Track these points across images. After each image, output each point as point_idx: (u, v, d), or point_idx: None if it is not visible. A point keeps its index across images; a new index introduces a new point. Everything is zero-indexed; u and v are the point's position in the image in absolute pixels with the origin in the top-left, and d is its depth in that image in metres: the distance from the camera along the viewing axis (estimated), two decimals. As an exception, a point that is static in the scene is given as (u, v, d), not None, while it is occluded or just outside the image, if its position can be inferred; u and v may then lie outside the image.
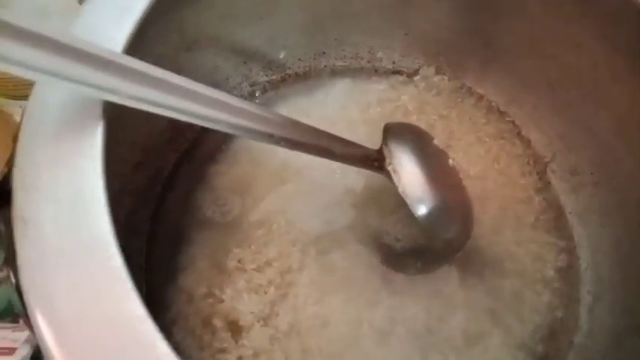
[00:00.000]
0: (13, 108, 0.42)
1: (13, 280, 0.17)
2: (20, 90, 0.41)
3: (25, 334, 0.33)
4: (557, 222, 0.35)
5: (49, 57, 0.15)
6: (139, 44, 0.25)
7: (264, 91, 0.39)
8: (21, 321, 0.33)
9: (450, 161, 0.34)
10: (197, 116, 0.20)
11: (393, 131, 0.30)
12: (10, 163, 0.20)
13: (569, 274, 0.34)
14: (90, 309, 0.14)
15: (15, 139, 0.19)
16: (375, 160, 0.29)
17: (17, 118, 0.42)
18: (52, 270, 0.15)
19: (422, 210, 0.29)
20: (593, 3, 0.29)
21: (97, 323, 0.14)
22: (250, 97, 0.38)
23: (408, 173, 0.29)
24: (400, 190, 0.29)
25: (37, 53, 0.15)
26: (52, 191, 0.16)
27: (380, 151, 0.30)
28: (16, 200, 0.17)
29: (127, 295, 0.15)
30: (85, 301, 0.15)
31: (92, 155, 0.17)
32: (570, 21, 0.31)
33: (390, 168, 0.29)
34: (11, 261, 0.17)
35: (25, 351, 0.32)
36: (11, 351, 0.32)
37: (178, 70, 0.32)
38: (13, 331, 0.34)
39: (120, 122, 0.26)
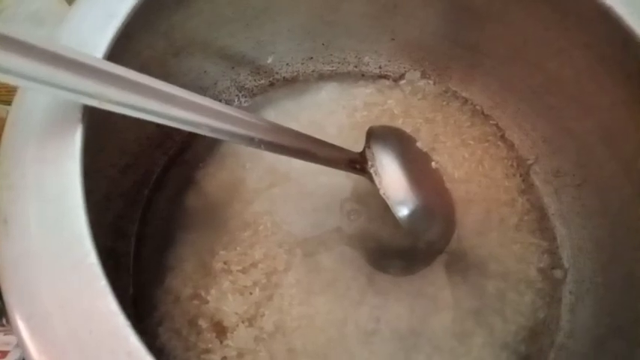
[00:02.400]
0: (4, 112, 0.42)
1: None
2: (12, 95, 0.42)
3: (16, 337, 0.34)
4: (541, 223, 0.36)
5: (27, 62, 0.16)
6: (125, 49, 0.26)
7: (252, 95, 0.39)
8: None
9: (433, 164, 0.35)
10: (177, 120, 0.20)
11: (376, 134, 0.31)
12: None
13: (551, 274, 0.34)
14: (66, 306, 0.15)
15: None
16: (357, 163, 0.30)
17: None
18: (32, 269, 0.16)
19: (403, 211, 0.29)
20: (571, 10, 0.30)
21: (73, 320, 0.15)
22: (238, 101, 0.39)
23: (390, 176, 0.29)
24: (381, 192, 0.29)
25: (16, 59, 0.16)
26: (32, 191, 0.17)
27: (363, 154, 0.30)
28: (-2, 200, 0.17)
29: (102, 291, 0.15)
30: (62, 298, 0.15)
31: (72, 156, 0.17)
32: (551, 28, 0.31)
33: (372, 170, 0.30)
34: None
35: (17, 354, 0.33)
36: (3, 354, 0.32)
37: (166, 75, 0.33)
38: (5, 334, 0.34)
39: (106, 126, 0.26)
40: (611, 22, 0.27)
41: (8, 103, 0.43)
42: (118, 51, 0.23)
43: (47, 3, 0.42)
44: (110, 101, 0.18)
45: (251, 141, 0.24)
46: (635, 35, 0.26)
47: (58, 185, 0.17)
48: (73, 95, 0.17)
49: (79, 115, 0.18)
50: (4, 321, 0.21)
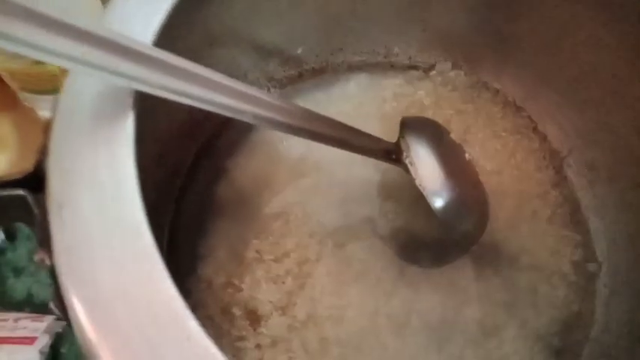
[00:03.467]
0: (37, 102, 0.43)
1: (48, 262, 0.18)
2: (42, 85, 0.43)
3: (44, 324, 0.34)
4: (573, 216, 0.35)
5: (84, 47, 0.16)
6: (165, 39, 0.26)
7: (281, 86, 0.39)
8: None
9: (467, 155, 0.34)
10: (221, 106, 0.20)
11: (410, 125, 0.31)
12: (41, 153, 0.21)
13: (585, 267, 0.34)
14: (124, 290, 0.15)
15: (45, 129, 0.20)
16: (392, 153, 0.30)
17: (41, 112, 0.43)
18: (88, 253, 0.16)
19: (439, 203, 0.29)
20: (612, 1, 0.29)
21: (132, 303, 0.15)
22: (268, 91, 0.39)
23: (425, 166, 0.29)
24: (417, 182, 0.29)
25: (72, 44, 0.16)
26: (87, 177, 0.17)
27: (397, 144, 0.30)
28: (52, 186, 0.17)
29: (162, 277, 0.15)
30: (119, 282, 0.15)
31: (125, 143, 0.17)
32: (590, 19, 0.31)
33: (407, 161, 0.29)
34: (46, 245, 0.18)
35: (45, 340, 0.33)
36: (32, 340, 0.33)
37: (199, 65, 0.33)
38: (33, 320, 0.35)
39: (141, 116, 0.26)
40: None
41: (39, 92, 0.43)
42: (160, 40, 0.23)
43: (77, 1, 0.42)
44: (161, 87, 0.18)
45: (289, 128, 0.24)
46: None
47: (112, 172, 0.17)
48: (125, 81, 0.17)
49: (130, 100, 0.18)
50: (51, 305, 0.21)
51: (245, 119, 0.22)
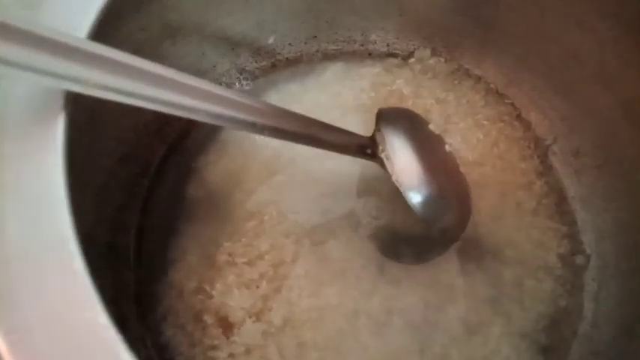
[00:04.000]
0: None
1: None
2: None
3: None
4: (560, 207, 0.34)
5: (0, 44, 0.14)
6: (116, 31, 0.24)
7: (253, 78, 0.37)
8: None
9: (447, 147, 0.33)
10: (170, 105, 0.19)
11: (387, 117, 0.29)
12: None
13: (572, 260, 0.33)
14: (50, 319, 0.14)
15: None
16: (367, 147, 0.28)
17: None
18: (12, 276, 0.14)
19: (416, 198, 0.28)
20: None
21: (58, 334, 0.13)
22: (239, 84, 0.37)
23: (402, 160, 0.28)
24: (393, 178, 0.27)
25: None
26: (11, 190, 0.15)
27: (373, 138, 0.28)
28: (-22, 200, 0.16)
29: (90, 301, 0.14)
30: (45, 310, 0.14)
31: (54, 150, 0.16)
32: (572, -1, 0.29)
33: (383, 155, 0.28)
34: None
35: None
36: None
37: (162, 58, 0.31)
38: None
39: (100, 115, 0.25)
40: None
41: None
42: (108, 33, 0.21)
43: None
44: (95, 85, 0.16)
45: (253, 127, 0.22)
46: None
47: (38, 183, 0.15)
48: (53, 80, 0.15)
49: (61, 102, 0.16)
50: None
51: (199, 118, 0.20)
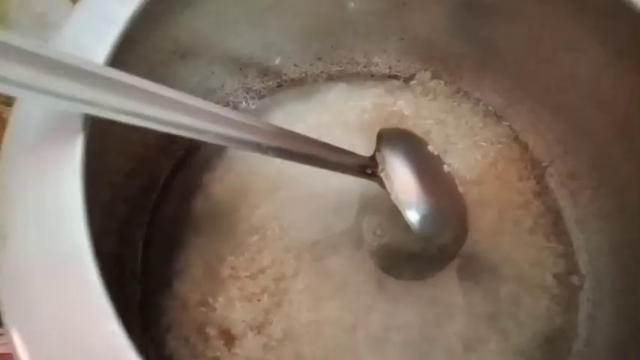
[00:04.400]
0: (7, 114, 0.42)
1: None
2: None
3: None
4: (556, 227, 0.35)
5: (22, 70, 0.15)
6: (131, 54, 0.25)
7: (260, 97, 0.39)
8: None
9: (445, 167, 0.34)
10: (179, 127, 0.20)
11: (387, 137, 0.30)
12: None
13: (567, 280, 0.33)
14: (65, 325, 0.14)
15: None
16: (368, 167, 0.29)
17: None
18: (31, 286, 0.15)
19: (414, 216, 0.29)
20: (589, 5, 0.29)
21: (71, 340, 0.14)
22: (246, 103, 0.38)
23: (401, 180, 0.29)
24: (392, 196, 0.28)
25: (11, 66, 0.15)
26: (32, 207, 0.16)
27: (373, 158, 0.29)
28: (-3, 214, 0.17)
29: (103, 310, 0.15)
30: (60, 317, 0.15)
31: (73, 169, 0.17)
32: (568, 23, 0.30)
33: (382, 174, 0.29)
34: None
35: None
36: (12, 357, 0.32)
37: (173, 77, 0.32)
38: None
39: (110, 132, 0.26)
40: (631, 16, 0.27)
41: (11, 105, 0.43)
42: (124, 56, 0.22)
43: (52, 4, 0.42)
44: (109, 109, 0.17)
45: (257, 147, 0.23)
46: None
47: (58, 199, 0.16)
48: (72, 104, 0.16)
49: (79, 124, 0.17)
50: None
51: (207, 139, 0.21)
